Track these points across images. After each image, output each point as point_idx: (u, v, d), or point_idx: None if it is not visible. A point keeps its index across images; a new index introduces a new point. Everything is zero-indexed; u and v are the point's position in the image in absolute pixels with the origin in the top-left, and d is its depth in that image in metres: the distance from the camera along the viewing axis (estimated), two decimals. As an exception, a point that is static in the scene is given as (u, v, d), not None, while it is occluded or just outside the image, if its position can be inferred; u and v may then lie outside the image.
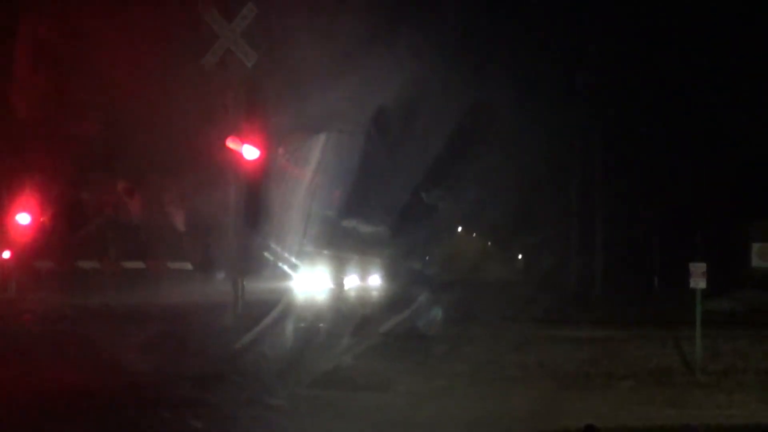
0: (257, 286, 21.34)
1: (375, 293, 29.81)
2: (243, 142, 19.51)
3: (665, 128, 37.53)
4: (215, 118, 20.63)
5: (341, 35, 19.93)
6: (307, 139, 20.96)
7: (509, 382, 14.39)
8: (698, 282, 15.52)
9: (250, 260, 21.61)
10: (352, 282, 29.75)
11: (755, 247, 32.84)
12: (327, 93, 20.09)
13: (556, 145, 35.81)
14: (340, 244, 25.22)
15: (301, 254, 22.99)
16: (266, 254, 21.53)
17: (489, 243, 52.89)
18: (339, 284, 27.71)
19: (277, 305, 18.30)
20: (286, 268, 22.87)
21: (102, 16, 21.25)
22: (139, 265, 26.17)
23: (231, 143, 19.76)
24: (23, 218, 26.06)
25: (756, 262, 31.42)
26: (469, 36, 24.83)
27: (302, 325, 18.50)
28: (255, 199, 20.55)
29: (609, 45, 36.20)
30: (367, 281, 31.46)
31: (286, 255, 22.51)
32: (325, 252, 25.69)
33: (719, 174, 36.88)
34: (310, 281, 25.89)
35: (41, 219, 26.13)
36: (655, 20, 34.85)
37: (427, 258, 37.20)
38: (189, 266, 24.85)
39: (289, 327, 17.30)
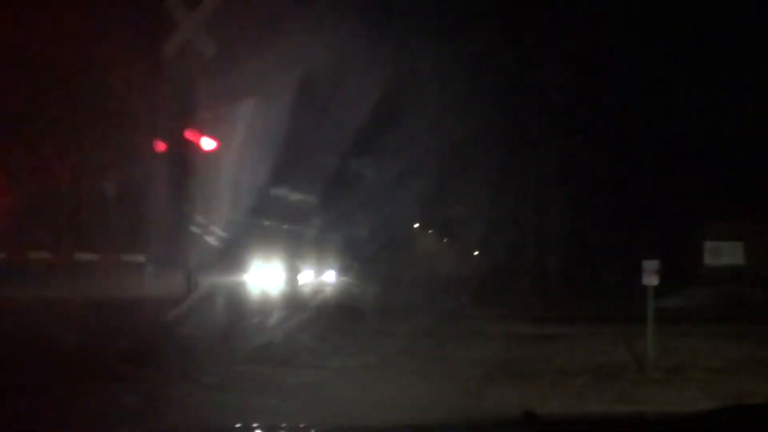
0: (209, 281, 21.12)
1: (328, 289, 29.70)
2: (201, 134, 19.33)
3: (621, 125, 37.82)
4: (170, 109, 20.38)
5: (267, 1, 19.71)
6: (232, 105, 20.66)
7: (461, 379, 14.39)
8: (651, 279, 15.64)
9: (203, 254, 21.43)
10: (306, 277, 29.58)
11: (708, 245, 33.17)
12: (251, 60, 19.85)
13: (511, 142, 35.89)
14: (270, 213, 24.88)
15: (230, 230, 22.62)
16: (193, 228, 21.13)
17: (445, 239, 53.04)
18: (293, 279, 27.55)
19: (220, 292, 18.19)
20: (211, 240, 22.47)
21: (53, 8, 20.85)
22: (92, 257, 25.83)
23: (189, 134, 19.58)
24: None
25: (708, 260, 31.72)
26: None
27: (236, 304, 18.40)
28: (210, 189, 20.38)
29: (566, 47, 36.38)
30: (323, 277, 31.35)
31: (214, 228, 22.15)
32: (271, 236, 25.40)
33: (674, 173, 37.24)
34: (264, 276, 25.71)
35: None
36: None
37: (383, 253, 37.26)
38: (142, 259, 24.52)
39: (222, 303, 17.22)
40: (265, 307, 19.61)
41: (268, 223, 24.44)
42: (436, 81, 27.38)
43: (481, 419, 5.82)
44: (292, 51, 20.67)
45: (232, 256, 23.35)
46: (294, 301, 22.78)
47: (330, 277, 31.46)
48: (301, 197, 25.35)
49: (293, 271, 27.49)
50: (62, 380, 10.90)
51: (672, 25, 35.36)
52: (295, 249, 26.96)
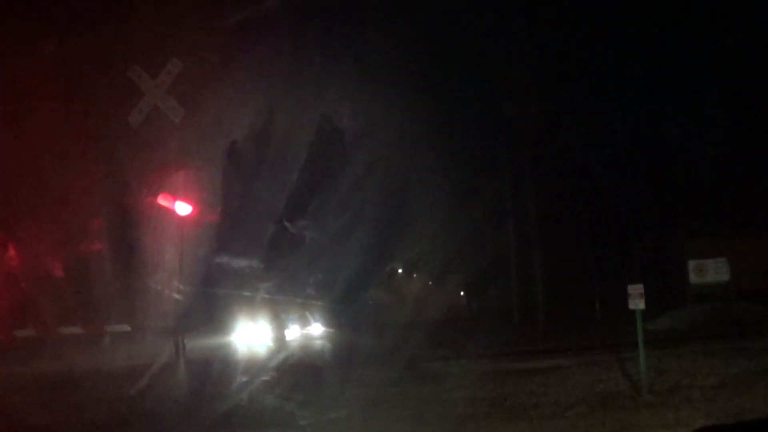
0: (197, 344, 21.04)
1: (319, 342, 29.50)
2: (174, 199, 19.32)
3: (598, 148, 37.99)
4: (141, 177, 20.37)
5: (186, 71, 19.74)
6: (166, 179, 20.67)
7: (458, 420, 14.30)
8: (637, 303, 15.60)
9: (190, 317, 21.32)
10: (294, 332, 29.40)
11: (692, 264, 33.14)
12: (178, 130, 19.85)
13: (484, 178, 35.95)
14: (218, 281, 24.89)
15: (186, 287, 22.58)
16: (153, 285, 21.04)
17: (429, 282, 52.94)
18: (280, 336, 27.41)
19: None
20: (176, 296, 22.35)
21: (19, 77, 20.75)
22: (77, 330, 25.59)
23: (162, 200, 19.57)
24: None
25: (693, 278, 31.65)
26: (314, 58, 24.67)
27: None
28: (188, 255, 20.33)
29: (533, 71, 36.56)
30: (310, 329, 31.15)
31: (175, 284, 22.06)
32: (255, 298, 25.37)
33: (651, 195, 37.41)
34: (251, 334, 25.58)
35: None
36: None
37: (370, 302, 37.16)
38: (127, 328, 24.31)
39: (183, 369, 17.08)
40: (249, 367, 19.41)
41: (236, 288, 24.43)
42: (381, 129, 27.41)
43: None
44: (219, 119, 20.78)
45: (216, 317, 23.29)
46: (278, 357, 22.61)
47: (317, 329, 31.24)
48: (246, 262, 25.38)
49: (280, 328, 27.38)
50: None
51: (645, 47, 35.66)
52: (279, 306, 26.87)
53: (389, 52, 26.09)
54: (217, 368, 17.90)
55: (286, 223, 26.23)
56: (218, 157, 21.68)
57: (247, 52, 21.28)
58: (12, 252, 24.57)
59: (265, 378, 17.52)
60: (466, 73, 34.13)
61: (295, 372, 18.94)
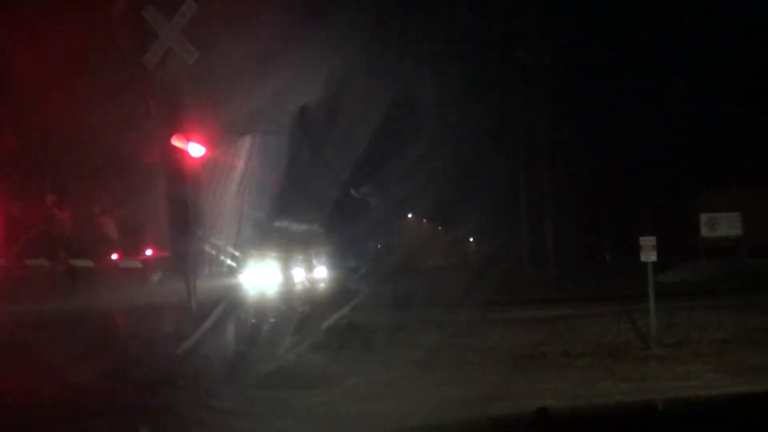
0: (204, 285, 21.02)
1: (322, 285, 29.57)
2: (188, 140, 19.23)
3: (610, 101, 37.82)
4: (154, 119, 20.26)
5: (260, 33, 19.58)
6: (231, 141, 20.66)
7: (466, 366, 14.34)
8: (649, 255, 15.57)
9: (199, 258, 21.35)
10: (299, 275, 29.49)
11: (704, 217, 33.08)
12: (247, 94, 19.76)
13: (499, 124, 35.82)
14: (275, 244, 25.05)
15: (242, 252, 22.75)
16: (208, 248, 21.14)
17: (439, 227, 53.00)
18: (288, 278, 27.53)
19: (220, 303, 17.99)
20: (229, 262, 22.56)
21: (21, 21, 20.57)
22: (88, 263, 25.65)
23: (176, 141, 19.48)
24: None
25: (705, 232, 31.63)
26: (389, 21, 24.54)
27: (247, 323, 18.16)
28: (199, 197, 20.28)
29: (548, 21, 36.38)
30: (314, 273, 31.24)
31: (229, 250, 22.22)
32: (267, 252, 25.51)
33: (665, 147, 37.23)
34: (259, 277, 25.68)
35: None
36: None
37: (378, 246, 37.18)
38: (138, 264, 24.35)
39: (232, 327, 17.00)
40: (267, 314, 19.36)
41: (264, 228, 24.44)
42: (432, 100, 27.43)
43: (494, 417, 5.76)
44: (288, 83, 20.62)
45: (229, 260, 23.34)
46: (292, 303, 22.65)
47: (321, 273, 31.34)
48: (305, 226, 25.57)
49: (287, 270, 27.49)
50: (80, 413, 10.83)
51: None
52: (288, 249, 27.01)
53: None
54: (231, 313, 17.78)
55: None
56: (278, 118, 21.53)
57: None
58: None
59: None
60: (483, 23, 33.83)
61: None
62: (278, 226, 24.25)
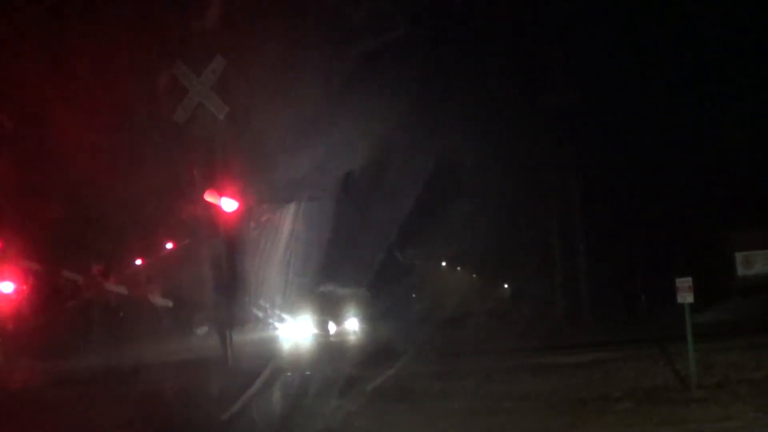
0: (242, 338, 21.16)
1: (357, 338, 29.58)
2: (221, 195, 19.41)
3: (640, 145, 37.75)
4: (189, 176, 20.47)
5: (304, 99, 19.83)
6: (277, 208, 20.90)
7: (505, 414, 14.32)
8: (686, 297, 15.47)
9: (236, 312, 21.49)
10: (334, 328, 29.60)
11: (739, 256, 32.94)
12: (293, 160, 20.00)
13: (532, 177, 35.95)
14: (319, 308, 25.33)
15: (289, 314, 22.98)
16: (255, 310, 21.40)
17: (474, 275, 52.95)
18: (324, 330, 27.69)
19: (265, 365, 17.99)
20: (274, 322, 22.82)
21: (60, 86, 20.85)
22: (121, 290, 25.82)
23: (209, 197, 19.66)
24: (6, 287, 25.82)
25: (741, 270, 31.48)
26: (429, 87, 24.87)
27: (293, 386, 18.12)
28: (236, 251, 20.43)
29: (576, 68, 36.47)
30: (349, 325, 31.31)
31: (275, 310, 22.45)
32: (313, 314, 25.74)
33: (697, 187, 37.11)
34: (296, 329, 25.83)
35: (24, 288, 25.76)
36: (620, 32, 35.12)
37: (413, 296, 37.23)
38: (170, 303, 24.49)
39: (278, 390, 16.97)
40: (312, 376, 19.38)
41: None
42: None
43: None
44: (332, 149, 20.87)
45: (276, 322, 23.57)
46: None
47: (353, 324, 31.42)
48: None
49: (324, 324, 27.68)
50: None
51: (688, 33, 35.46)
52: (332, 312, 27.29)
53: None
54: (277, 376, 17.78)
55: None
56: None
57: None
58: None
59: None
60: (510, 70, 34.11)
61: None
62: (323, 291, 24.49)
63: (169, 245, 25.42)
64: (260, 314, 21.95)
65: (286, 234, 21.16)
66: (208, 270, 20.57)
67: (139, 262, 26.96)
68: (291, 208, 21.07)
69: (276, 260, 20.99)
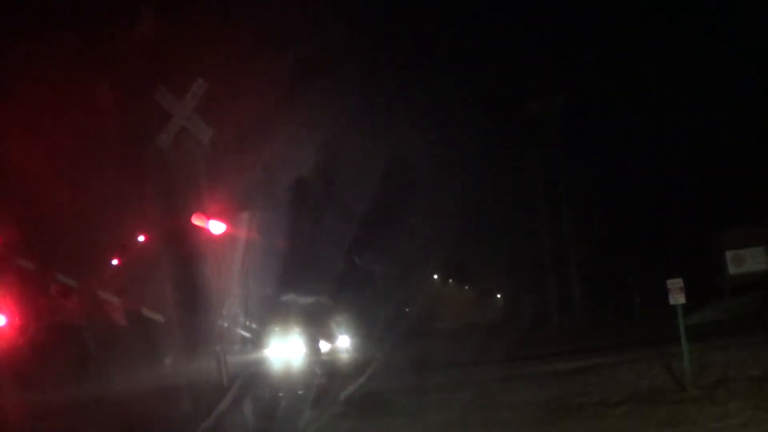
0: (231, 360, 21.01)
1: (335, 355, 29.53)
2: (208, 218, 19.33)
3: (628, 141, 37.86)
4: (169, 199, 20.38)
5: (250, 108, 19.71)
6: (231, 218, 20.75)
7: (500, 423, 14.27)
8: (677, 298, 15.46)
9: (229, 334, 21.38)
10: (325, 346, 29.44)
11: (729, 254, 32.95)
12: (241, 169, 19.88)
13: (521, 182, 36.02)
14: (283, 319, 25.11)
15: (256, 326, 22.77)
16: (219, 323, 21.19)
17: (466, 287, 52.94)
18: (314, 350, 27.55)
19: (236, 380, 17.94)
20: (245, 335, 22.56)
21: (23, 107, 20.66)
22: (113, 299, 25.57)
23: (196, 220, 19.58)
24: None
25: (733, 269, 31.48)
26: (384, 83, 24.77)
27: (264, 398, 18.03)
28: (225, 274, 20.33)
29: (563, 71, 36.58)
30: (340, 343, 31.21)
31: (242, 323, 22.23)
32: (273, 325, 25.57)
33: (685, 187, 37.17)
34: (284, 350, 25.68)
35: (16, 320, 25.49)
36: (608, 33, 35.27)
37: (406, 309, 37.09)
38: (161, 318, 24.28)
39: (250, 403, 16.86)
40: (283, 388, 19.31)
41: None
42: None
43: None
44: (281, 157, 20.77)
45: (252, 335, 23.38)
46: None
47: (344, 342, 31.32)
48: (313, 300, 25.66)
49: (314, 343, 27.52)
50: None
51: (677, 33, 35.59)
52: (296, 322, 27.12)
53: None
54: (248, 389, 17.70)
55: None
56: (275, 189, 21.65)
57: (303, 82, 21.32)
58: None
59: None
60: (498, 81, 34.21)
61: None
62: (284, 300, 24.30)
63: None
64: (226, 326, 21.74)
65: (241, 243, 20.96)
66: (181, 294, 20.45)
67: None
68: (243, 218, 20.87)
69: (236, 272, 20.79)
